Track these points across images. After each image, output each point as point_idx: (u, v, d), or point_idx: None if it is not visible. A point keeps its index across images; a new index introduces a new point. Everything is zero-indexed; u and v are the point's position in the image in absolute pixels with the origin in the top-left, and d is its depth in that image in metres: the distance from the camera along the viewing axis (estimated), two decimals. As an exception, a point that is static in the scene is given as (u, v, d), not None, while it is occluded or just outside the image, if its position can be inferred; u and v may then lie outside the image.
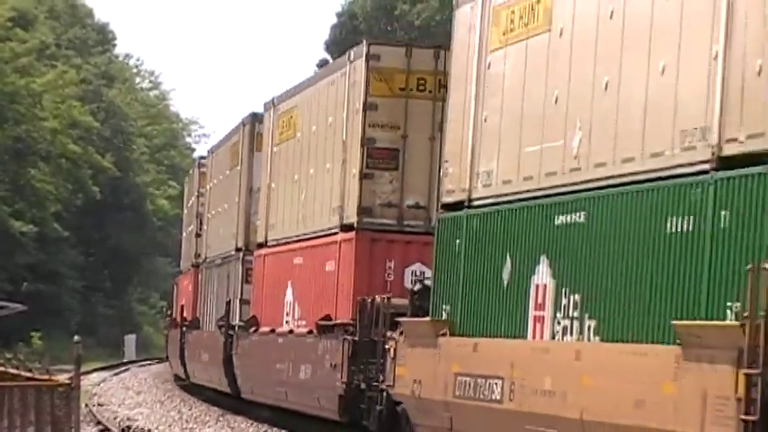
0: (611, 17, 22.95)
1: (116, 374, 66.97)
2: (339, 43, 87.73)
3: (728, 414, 17.93)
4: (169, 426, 38.59)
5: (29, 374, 30.01)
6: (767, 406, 17.50)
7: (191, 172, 66.53)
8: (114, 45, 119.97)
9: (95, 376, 59.97)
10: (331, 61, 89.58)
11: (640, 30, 22.19)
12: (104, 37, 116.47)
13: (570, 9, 24.35)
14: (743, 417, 17.51)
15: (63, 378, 27.64)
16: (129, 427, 36.74)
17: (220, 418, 41.35)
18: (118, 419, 39.29)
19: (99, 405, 44.11)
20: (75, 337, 40.94)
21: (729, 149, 19.42)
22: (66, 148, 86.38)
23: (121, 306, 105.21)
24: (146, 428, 36.92)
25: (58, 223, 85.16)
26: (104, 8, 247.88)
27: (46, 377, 28.97)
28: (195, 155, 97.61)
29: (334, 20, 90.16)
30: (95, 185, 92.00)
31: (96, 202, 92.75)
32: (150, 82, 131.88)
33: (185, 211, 65.21)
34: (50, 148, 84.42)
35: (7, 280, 73.29)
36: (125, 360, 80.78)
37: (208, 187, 54.77)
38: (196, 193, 58.25)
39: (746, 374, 17.67)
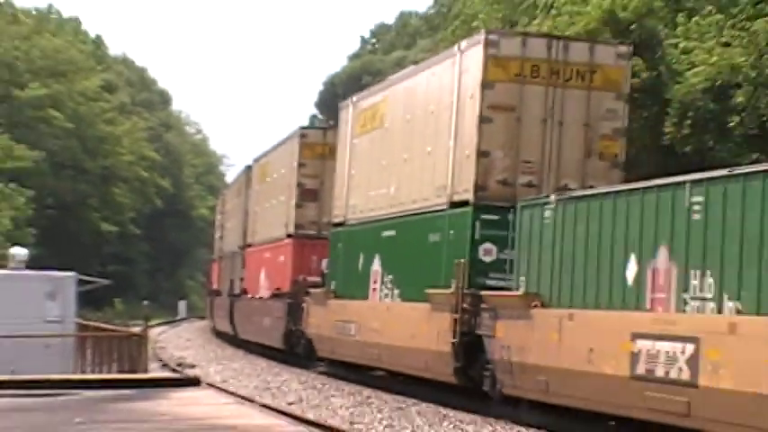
0: (408, 121, 28.05)
1: (172, 327, 67.03)
2: (325, 102, 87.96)
3: (448, 340, 23.58)
4: (208, 362, 38.73)
5: (114, 328, 30.21)
6: (462, 334, 23.15)
7: (218, 198, 70.63)
8: (171, 103, 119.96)
9: (158, 329, 60.02)
10: (320, 116, 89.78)
11: (420, 129, 27.22)
12: (164, 98, 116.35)
13: (391, 115, 29.26)
14: (452, 340, 23.38)
15: (136, 330, 27.84)
16: (181, 363, 36.85)
17: (243, 357, 41.54)
18: (174, 358, 39.45)
19: (161, 348, 44.22)
20: (144, 302, 41.40)
21: (455, 198, 24.83)
22: (138, 174, 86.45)
23: (176, 280, 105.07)
24: (192, 363, 37.05)
25: (132, 225, 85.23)
26: (164, 78, 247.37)
27: (125, 329, 29.18)
28: (227, 178, 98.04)
29: (321, 87, 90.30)
30: (158, 199, 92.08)
31: (158, 210, 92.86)
32: (195, 129, 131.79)
33: (216, 221, 66.57)
34: (127, 174, 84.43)
35: (99, 264, 73.22)
36: (178, 318, 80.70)
37: (227, 208, 58.31)
38: (219, 213, 62.87)
39: (454, 318, 23.28)
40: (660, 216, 17.62)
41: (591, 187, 22.02)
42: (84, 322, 31.69)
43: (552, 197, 21.23)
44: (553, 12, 40.40)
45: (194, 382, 17.24)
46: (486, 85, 23.92)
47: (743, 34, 30.38)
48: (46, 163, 72.55)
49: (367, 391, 27.54)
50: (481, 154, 23.88)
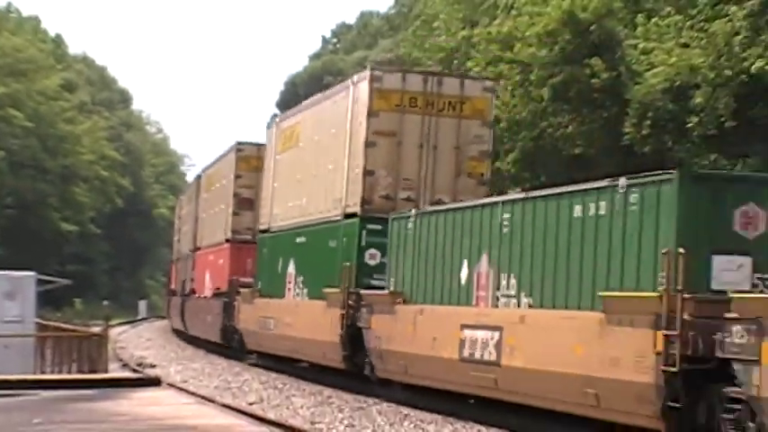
0: (316, 142, 31.42)
1: (133, 327, 66.73)
2: (286, 102, 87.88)
3: (337, 332, 26.95)
4: (169, 362, 38.57)
5: (74, 328, 30.04)
6: (348, 326, 26.53)
7: (177, 203, 72.16)
8: (131, 103, 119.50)
9: (118, 329, 59.74)
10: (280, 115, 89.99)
11: (324, 149, 30.59)
12: (125, 97, 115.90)
13: (304, 136, 32.89)
14: (340, 332, 26.83)
15: (96, 330, 27.70)
16: (141, 363, 36.69)
17: (204, 357, 41.40)
18: (134, 358, 39.28)
19: (121, 348, 44.00)
20: (105, 302, 41.20)
21: (347, 210, 28.16)
22: (99, 173, 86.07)
23: (136, 280, 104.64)
24: (153, 363, 36.89)
25: (92, 224, 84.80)
26: (125, 77, 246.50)
27: (84, 329, 29.03)
28: (188, 178, 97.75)
29: (283, 86, 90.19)
30: (119, 198, 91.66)
31: (119, 209, 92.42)
32: (156, 128, 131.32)
33: (175, 225, 67.43)
34: (88, 173, 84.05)
35: (58, 263, 72.87)
36: (139, 318, 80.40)
37: (182, 213, 60.00)
38: (177, 217, 64.77)
39: (341, 313, 26.88)
40: (483, 229, 21.66)
41: (461, 201, 25.25)
42: (44, 322, 31.50)
43: (413, 211, 25.14)
44: (513, 12, 40.55)
45: (155, 383, 17.20)
46: (371, 113, 27.66)
47: (701, 35, 30.56)
48: (5, 162, 72.13)
49: (328, 391, 27.52)
50: (367, 173, 27.61)
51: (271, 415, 22.28)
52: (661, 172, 17.04)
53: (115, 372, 28.86)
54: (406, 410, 23.41)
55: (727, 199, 16.41)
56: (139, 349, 44.97)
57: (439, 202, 26.36)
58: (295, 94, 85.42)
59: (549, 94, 35.86)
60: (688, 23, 31.69)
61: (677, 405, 15.77)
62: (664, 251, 16.14)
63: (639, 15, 34.47)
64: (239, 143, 42.13)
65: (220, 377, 32.23)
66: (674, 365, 15.59)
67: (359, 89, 28.45)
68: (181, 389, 26.16)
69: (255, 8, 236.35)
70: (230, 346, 39.28)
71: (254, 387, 29.13)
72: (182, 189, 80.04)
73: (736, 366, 14.95)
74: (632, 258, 17.10)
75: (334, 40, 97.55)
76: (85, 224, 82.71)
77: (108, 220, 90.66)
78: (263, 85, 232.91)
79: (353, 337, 26.66)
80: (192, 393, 24.45)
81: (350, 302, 26.77)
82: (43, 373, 26.33)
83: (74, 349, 26.12)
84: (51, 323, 31.77)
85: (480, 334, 20.93)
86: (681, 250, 15.86)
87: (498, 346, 20.25)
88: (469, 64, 42.73)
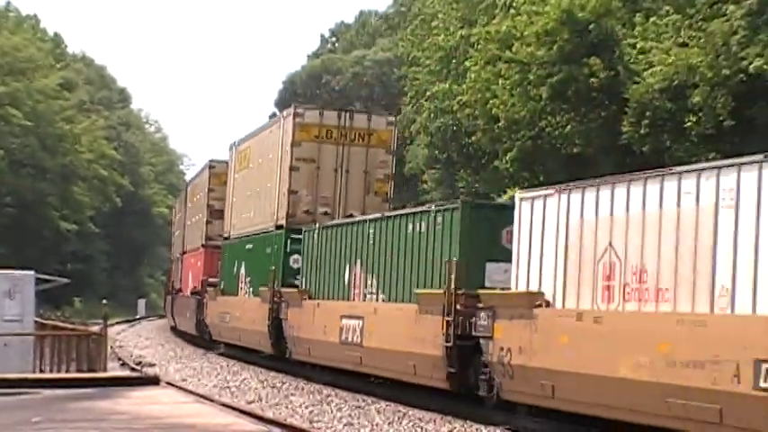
0: (260, 164, 37.67)
1: (132, 326, 66.71)
2: (285, 101, 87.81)
3: (266, 323, 33.51)
4: (168, 360, 38.57)
5: (72, 326, 30.02)
6: (273, 318, 32.90)
7: (172, 206, 77.02)
8: (130, 102, 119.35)
9: (117, 328, 59.72)
10: (278, 113, 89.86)
11: (265, 171, 36.70)
12: (124, 96, 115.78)
13: (253, 159, 39.01)
14: (267, 323, 33.62)
15: (95, 329, 27.68)
16: (140, 362, 36.67)
17: (203, 356, 41.39)
18: (133, 356, 39.26)
19: (120, 347, 43.99)
20: (103, 301, 41.27)
21: (278, 222, 34.56)
22: (98, 172, 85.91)
23: (135, 279, 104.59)
24: (152, 362, 36.87)
25: (92, 223, 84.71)
26: (124, 76, 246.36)
27: (83, 328, 29.00)
28: (187, 177, 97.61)
29: (281, 85, 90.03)
30: (117, 197, 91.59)
31: (118, 208, 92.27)
32: (155, 127, 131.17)
33: (173, 228, 68.69)
34: (87, 172, 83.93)
35: (58, 262, 72.81)
36: (138, 317, 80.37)
37: (176, 219, 63.88)
38: (174, 221, 68.51)
39: (269, 308, 33.44)
40: (358, 241, 27.69)
41: (369, 214, 30.02)
42: (43, 321, 31.48)
43: (317, 224, 31.18)
44: (512, 11, 40.50)
45: (153, 381, 17.17)
46: (294, 143, 33.93)
47: (700, 35, 30.53)
48: (5, 161, 72.05)
49: (327, 390, 27.53)
50: (291, 192, 33.85)
51: (269, 414, 22.28)
52: (453, 201, 24.21)
53: (114, 371, 28.84)
54: (404, 409, 23.41)
55: (498, 222, 22.10)
56: (138, 348, 44.95)
57: (351, 216, 31.72)
58: (294, 93, 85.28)
59: (548, 94, 35.85)
60: (686, 23, 31.66)
61: (454, 371, 22.23)
62: (446, 260, 22.51)
63: (638, 15, 34.46)
64: (211, 161, 47.88)
65: (219, 376, 32.22)
66: (449, 342, 22.10)
67: (286, 123, 34.57)
68: (180, 388, 26.13)
69: (255, 7, 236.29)
70: (203, 337, 44.85)
71: (253, 386, 29.12)
72: (180, 188, 79.97)
73: (482, 341, 21.28)
74: (436, 265, 23.33)
75: (333, 38, 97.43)
76: (84, 223, 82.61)
77: (107, 219, 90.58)
78: (262, 83, 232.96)
79: (278, 327, 32.81)
80: (191, 392, 24.44)
81: (275, 299, 33.01)
82: (42, 371, 26.31)
83: (73, 348, 26.10)
84: (50, 322, 31.74)
85: (352, 322, 27.10)
86: (454, 259, 22.18)
87: (361, 331, 26.43)
88: (468, 63, 42.74)
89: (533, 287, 19.89)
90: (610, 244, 18.10)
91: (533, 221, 20.18)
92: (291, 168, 33.81)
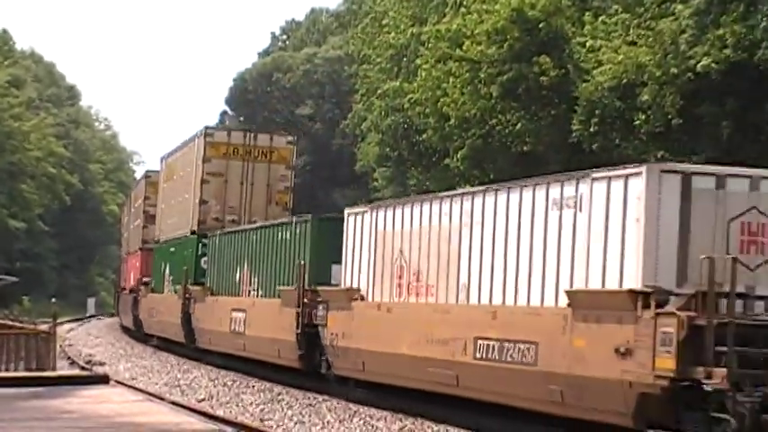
0: (181, 177, 42.13)
1: (81, 325, 66.28)
2: (235, 99, 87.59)
3: (179, 315, 38.88)
4: (118, 359, 38.39)
5: (20, 325, 29.80)
6: (184, 313, 37.82)
7: (123, 205, 76.95)
8: (80, 99, 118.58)
9: (67, 326, 59.33)
10: (229, 111, 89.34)
11: (184, 183, 41.35)
12: (73, 93, 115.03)
13: (176, 172, 43.61)
14: (180, 315, 38.79)
15: (44, 327, 27.51)
16: (90, 361, 36.48)
17: (153, 354, 41.24)
18: (82, 355, 39.04)
19: (69, 345, 43.72)
20: (53, 300, 41.13)
21: (192, 228, 38.64)
22: (46, 170, 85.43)
23: (85, 278, 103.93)
24: (101, 361, 36.69)
25: (41, 221, 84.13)
26: (74, 73, 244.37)
27: (32, 327, 28.80)
28: (137, 175, 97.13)
29: (232, 83, 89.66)
30: (67, 195, 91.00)
31: (67, 206, 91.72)
32: (105, 125, 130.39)
33: (121, 230, 69.71)
34: (35, 170, 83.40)
35: (6, 261, 72.31)
36: (87, 315, 79.88)
37: (125, 220, 65.14)
38: (121, 224, 71.51)
39: (182, 303, 38.65)
40: (246, 246, 32.68)
41: (271, 220, 34.31)
42: (-9, 320, 31.16)
43: (218, 231, 36.39)
44: (462, 10, 40.57)
45: (103, 380, 17.03)
46: (205, 159, 38.71)
47: (648, 33, 30.70)
48: (-49, 159, 71.42)
49: (278, 389, 27.50)
50: (202, 202, 38.56)
51: (220, 412, 22.22)
52: (304, 214, 29.15)
53: (63, 370, 28.64)
54: (355, 407, 23.42)
55: (342, 232, 25.58)
56: (88, 347, 44.67)
57: (254, 222, 35.88)
58: (245, 91, 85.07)
59: (498, 92, 35.92)
60: (635, 21, 31.83)
61: (302, 353, 27.10)
62: (297, 263, 27.57)
63: (587, 13, 34.59)
64: (148, 171, 53.54)
65: (169, 374, 32.10)
66: (299, 330, 26.96)
67: (200, 141, 39.22)
68: (130, 386, 26.00)
69: (206, 4, 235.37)
70: (139, 331, 49.06)
71: (204, 384, 29.03)
72: (130, 186, 79.59)
73: (320, 328, 26.17)
74: (295, 266, 27.93)
75: (284, 36, 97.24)
76: (33, 221, 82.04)
77: (56, 217, 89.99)
78: (213, 81, 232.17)
79: (188, 320, 37.66)
80: (142, 391, 24.33)
81: (186, 295, 37.85)
82: (-10, 370, 26.04)
83: (21, 347, 25.92)
84: (-1, 321, 31.45)
85: (238, 315, 32.17)
86: (302, 262, 27.29)
87: (244, 322, 31.56)
88: (418, 61, 42.76)
89: (354, 284, 24.79)
90: (400, 251, 23.01)
91: (355, 232, 25.00)
92: (203, 181, 38.58)
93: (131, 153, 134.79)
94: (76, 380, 17.27)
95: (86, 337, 52.24)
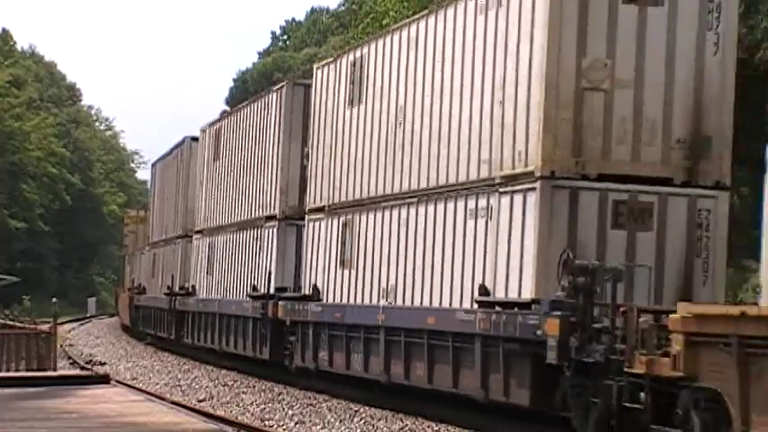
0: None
1: (81, 325, 66.36)
2: (236, 98, 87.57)
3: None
4: (119, 359, 38.42)
5: (21, 325, 29.84)
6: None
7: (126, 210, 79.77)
8: (81, 99, 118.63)
9: (68, 326, 59.40)
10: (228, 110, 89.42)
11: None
12: (73, 93, 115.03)
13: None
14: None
15: (45, 327, 27.52)
16: (90, 360, 36.52)
17: (153, 354, 41.28)
18: (83, 355, 39.08)
19: (70, 345, 43.77)
20: (53, 300, 41.14)
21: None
22: (47, 170, 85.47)
23: (85, 278, 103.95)
24: (102, 361, 36.73)
25: (41, 221, 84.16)
26: (75, 72, 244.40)
27: (33, 327, 28.83)
28: (138, 175, 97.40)
29: (232, 82, 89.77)
30: (67, 195, 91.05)
31: (68, 206, 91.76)
32: (106, 125, 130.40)
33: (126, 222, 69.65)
34: (36, 170, 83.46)
35: (6, 261, 72.35)
36: (88, 315, 79.94)
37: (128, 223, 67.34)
38: (126, 220, 70.99)
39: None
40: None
41: None
42: (-8, 320, 31.22)
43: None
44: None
45: (104, 380, 17.03)
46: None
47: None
48: (-48, 159, 71.48)
49: (278, 388, 27.51)
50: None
51: (221, 412, 22.22)
52: None
53: (64, 369, 28.67)
54: (356, 407, 23.42)
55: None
56: (88, 347, 44.72)
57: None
58: (245, 91, 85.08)
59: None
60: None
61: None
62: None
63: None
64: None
65: (170, 374, 32.11)
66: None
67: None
68: (130, 386, 26.00)
69: (206, 3, 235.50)
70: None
71: (204, 384, 29.04)
72: (131, 186, 79.61)
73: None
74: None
75: (284, 36, 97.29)
76: (34, 221, 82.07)
77: (57, 217, 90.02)
78: (214, 80, 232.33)
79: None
80: (142, 391, 24.31)
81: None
82: (-9, 370, 26.08)
83: (22, 347, 25.94)
84: (-1, 321, 31.49)
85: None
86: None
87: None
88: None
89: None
90: None
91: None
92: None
93: (132, 153, 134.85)
94: (77, 380, 17.26)
95: (87, 337, 52.30)
